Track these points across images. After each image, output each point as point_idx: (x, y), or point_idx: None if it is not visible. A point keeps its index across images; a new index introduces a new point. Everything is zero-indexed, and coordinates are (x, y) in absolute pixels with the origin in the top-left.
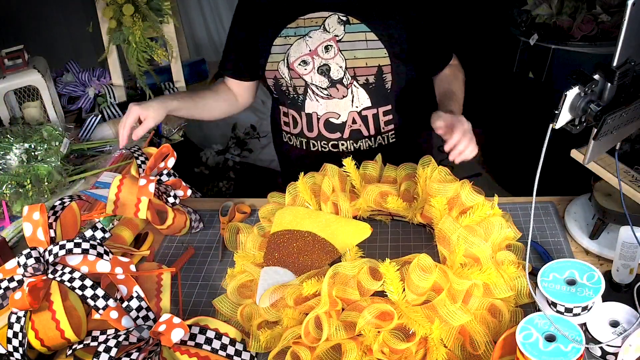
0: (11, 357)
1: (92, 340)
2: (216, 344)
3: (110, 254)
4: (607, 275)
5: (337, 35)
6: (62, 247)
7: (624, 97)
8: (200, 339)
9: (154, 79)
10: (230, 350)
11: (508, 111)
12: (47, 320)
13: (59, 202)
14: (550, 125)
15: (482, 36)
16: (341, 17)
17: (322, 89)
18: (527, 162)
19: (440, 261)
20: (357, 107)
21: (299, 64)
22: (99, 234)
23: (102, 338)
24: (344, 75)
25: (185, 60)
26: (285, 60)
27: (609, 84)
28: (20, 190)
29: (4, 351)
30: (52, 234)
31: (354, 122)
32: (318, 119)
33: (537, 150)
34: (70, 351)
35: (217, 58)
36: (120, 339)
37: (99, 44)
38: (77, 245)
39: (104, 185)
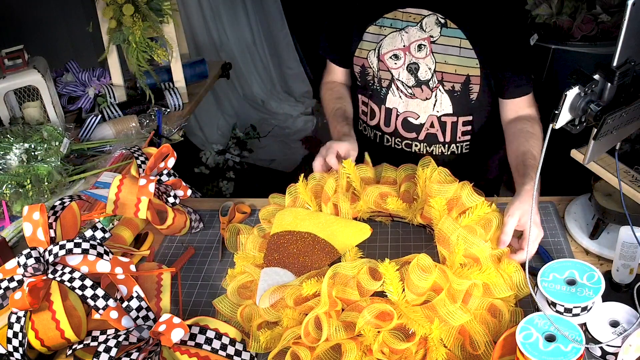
0: (11, 357)
1: (92, 340)
2: (216, 344)
3: (110, 254)
4: (607, 275)
5: (432, 36)
6: (62, 247)
7: (624, 97)
8: (200, 339)
9: (154, 79)
10: (230, 350)
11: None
12: (47, 320)
13: (59, 202)
14: (550, 125)
15: None
16: (440, 19)
17: (407, 86)
18: None
19: (440, 261)
20: (437, 111)
21: (390, 57)
22: (99, 234)
23: (102, 338)
24: (432, 77)
25: (185, 60)
26: (377, 50)
27: (609, 84)
28: (20, 190)
29: (4, 351)
30: (52, 234)
31: (432, 125)
32: (397, 116)
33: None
34: (70, 351)
35: (217, 58)
36: (120, 339)
37: (99, 44)
38: (77, 245)
39: (104, 185)
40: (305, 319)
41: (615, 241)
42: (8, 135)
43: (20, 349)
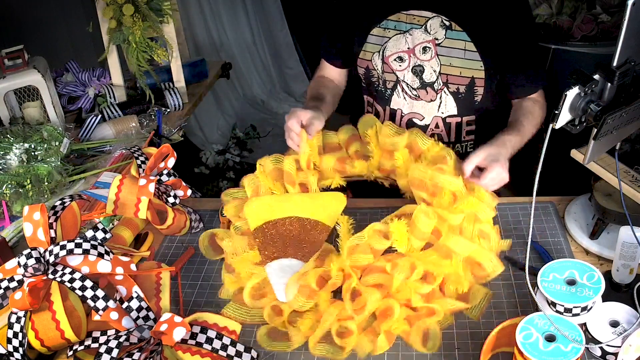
0: (11, 357)
1: (92, 342)
2: (217, 344)
3: (111, 254)
4: (607, 275)
5: (436, 39)
6: (62, 247)
7: (624, 97)
8: (201, 337)
9: (154, 79)
10: (231, 350)
11: (508, 111)
12: (47, 321)
13: (59, 202)
14: (550, 125)
15: None
16: (444, 21)
17: (412, 88)
18: (527, 162)
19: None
20: (442, 113)
21: (395, 59)
22: (99, 235)
23: (102, 339)
24: (436, 79)
25: (185, 60)
26: (381, 53)
27: (609, 84)
28: (20, 190)
29: (4, 351)
30: (53, 234)
31: (436, 127)
32: (402, 117)
33: (537, 150)
34: (71, 352)
35: (217, 58)
36: (122, 339)
37: (99, 44)
38: (78, 245)
39: (104, 185)
40: (343, 294)
41: (615, 241)
42: (8, 135)
43: (20, 349)
